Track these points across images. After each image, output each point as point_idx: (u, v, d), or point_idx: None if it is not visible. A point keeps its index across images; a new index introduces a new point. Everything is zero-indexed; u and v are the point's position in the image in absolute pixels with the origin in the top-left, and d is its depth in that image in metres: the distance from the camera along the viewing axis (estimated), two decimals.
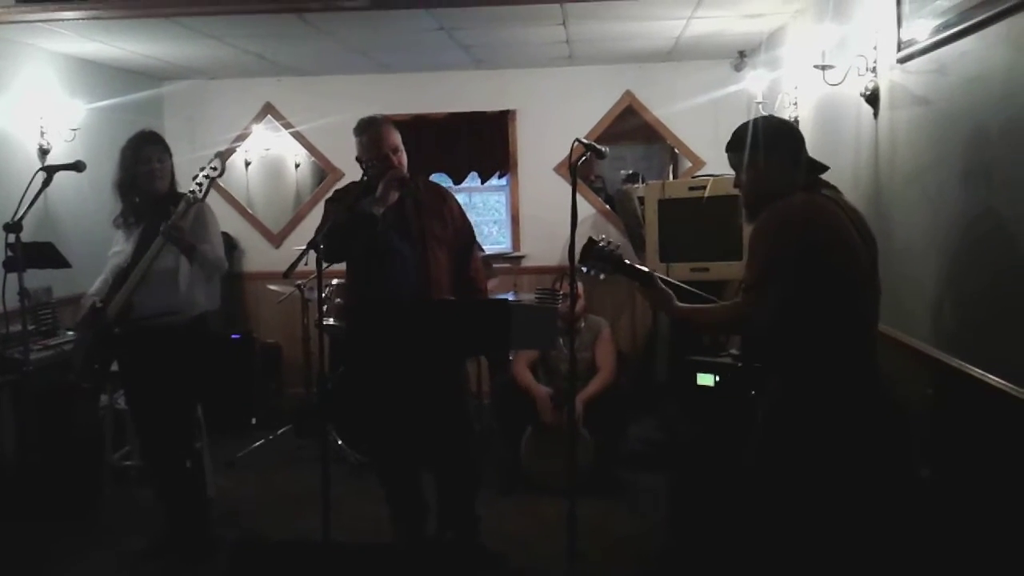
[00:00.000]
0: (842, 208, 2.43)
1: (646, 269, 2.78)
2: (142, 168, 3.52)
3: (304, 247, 3.02)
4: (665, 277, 2.79)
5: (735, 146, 2.57)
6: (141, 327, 3.45)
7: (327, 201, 3.54)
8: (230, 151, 6.37)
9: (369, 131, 3.40)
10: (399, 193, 3.35)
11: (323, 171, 6.62)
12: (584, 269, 2.84)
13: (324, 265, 3.00)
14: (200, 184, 3.35)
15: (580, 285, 4.17)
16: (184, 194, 3.40)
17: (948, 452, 2.66)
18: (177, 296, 3.50)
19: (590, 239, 2.81)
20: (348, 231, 3.22)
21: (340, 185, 5.49)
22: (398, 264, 3.37)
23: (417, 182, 3.52)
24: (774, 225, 2.40)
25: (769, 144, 2.47)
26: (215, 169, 3.36)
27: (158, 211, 3.46)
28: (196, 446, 3.88)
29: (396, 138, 3.43)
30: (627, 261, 2.81)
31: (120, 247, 3.57)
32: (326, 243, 2.99)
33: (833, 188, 2.51)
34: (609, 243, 2.83)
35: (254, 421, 5.67)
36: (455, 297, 3.49)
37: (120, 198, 3.60)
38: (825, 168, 2.57)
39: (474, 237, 3.71)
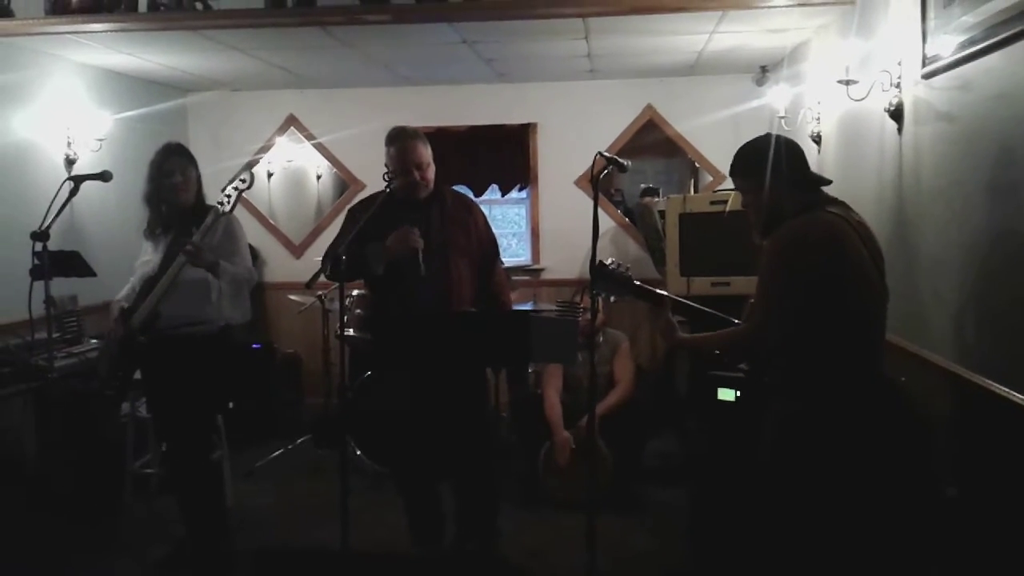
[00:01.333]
0: (851, 225, 2.43)
1: (660, 293, 2.75)
2: (166, 181, 3.55)
3: (324, 258, 3.06)
4: (684, 300, 2.76)
5: (738, 169, 2.58)
6: (166, 336, 3.47)
7: (349, 210, 3.55)
8: (253, 162, 6.42)
9: (397, 143, 3.41)
10: (410, 248, 3.32)
11: (344, 183, 6.66)
12: (595, 292, 2.82)
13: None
14: (228, 196, 3.36)
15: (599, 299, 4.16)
16: (212, 206, 3.43)
17: (973, 470, 2.63)
18: (204, 307, 3.51)
19: (600, 262, 2.78)
20: (353, 269, 3.24)
21: (361, 197, 5.52)
22: (419, 275, 3.38)
23: (444, 193, 3.53)
24: (783, 248, 2.40)
25: (772, 164, 2.47)
26: (244, 181, 3.37)
27: (186, 222, 3.48)
28: (215, 455, 3.89)
29: (425, 153, 3.41)
30: (637, 282, 2.79)
31: (148, 256, 3.59)
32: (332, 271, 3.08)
33: (842, 204, 2.51)
34: (619, 265, 2.80)
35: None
36: (477, 309, 3.49)
37: (148, 210, 3.64)
38: (827, 181, 2.57)
39: (498, 250, 3.70)
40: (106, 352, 3.66)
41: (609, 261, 2.81)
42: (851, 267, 2.36)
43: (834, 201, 2.51)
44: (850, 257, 2.37)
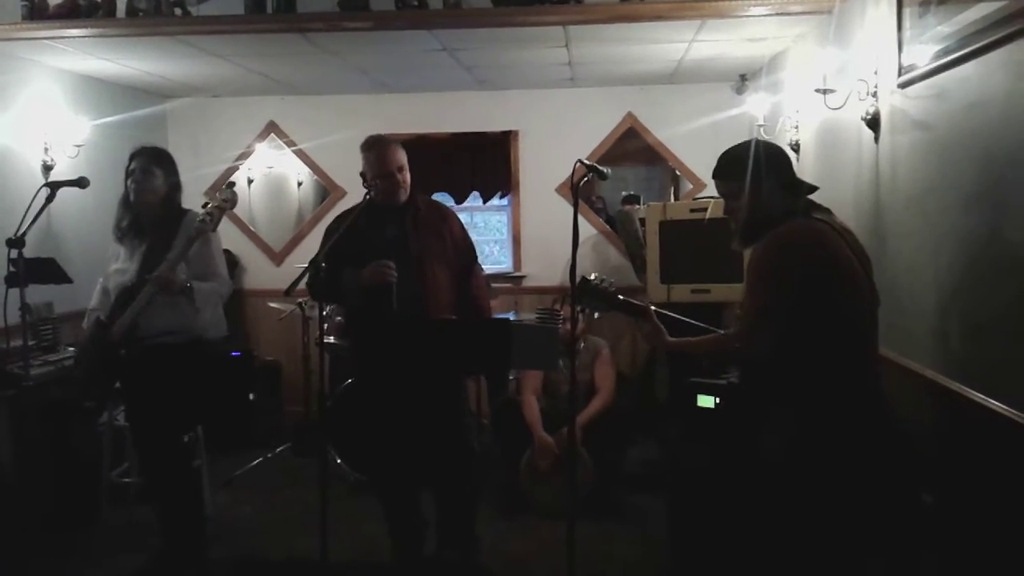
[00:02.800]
0: (837, 231, 2.43)
1: (641, 304, 2.75)
2: (127, 182, 3.54)
3: (306, 267, 3.06)
4: (664, 311, 2.76)
5: (723, 173, 2.55)
6: (145, 347, 3.44)
7: (327, 229, 3.54)
8: (231, 170, 6.40)
9: (375, 149, 3.47)
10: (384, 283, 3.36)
11: (325, 189, 6.64)
12: (579, 307, 2.81)
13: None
14: (210, 215, 3.33)
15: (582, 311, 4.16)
16: (188, 211, 3.39)
17: (950, 478, 2.65)
18: (183, 318, 3.48)
19: (583, 278, 2.77)
20: (330, 294, 3.36)
21: (342, 204, 5.50)
22: (396, 283, 3.37)
23: (417, 200, 3.55)
24: (773, 254, 2.39)
25: (759, 169, 2.46)
26: (226, 201, 3.35)
27: (162, 230, 3.45)
28: (195, 464, 3.86)
29: (402, 157, 3.48)
30: (621, 297, 2.78)
31: (123, 264, 3.55)
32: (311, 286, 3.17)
33: (825, 210, 2.51)
34: (603, 280, 2.78)
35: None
36: (457, 316, 3.49)
37: (119, 210, 3.62)
38: (814, 188, 2.57)
39: (475, 256, 3.71)
40: (83, 362, 3.62)
41: (592, 276, 2.77)
42: (839, 271, 2.36)
43: (819, 207, 2.51)
44: (837, 261, 2.36)
